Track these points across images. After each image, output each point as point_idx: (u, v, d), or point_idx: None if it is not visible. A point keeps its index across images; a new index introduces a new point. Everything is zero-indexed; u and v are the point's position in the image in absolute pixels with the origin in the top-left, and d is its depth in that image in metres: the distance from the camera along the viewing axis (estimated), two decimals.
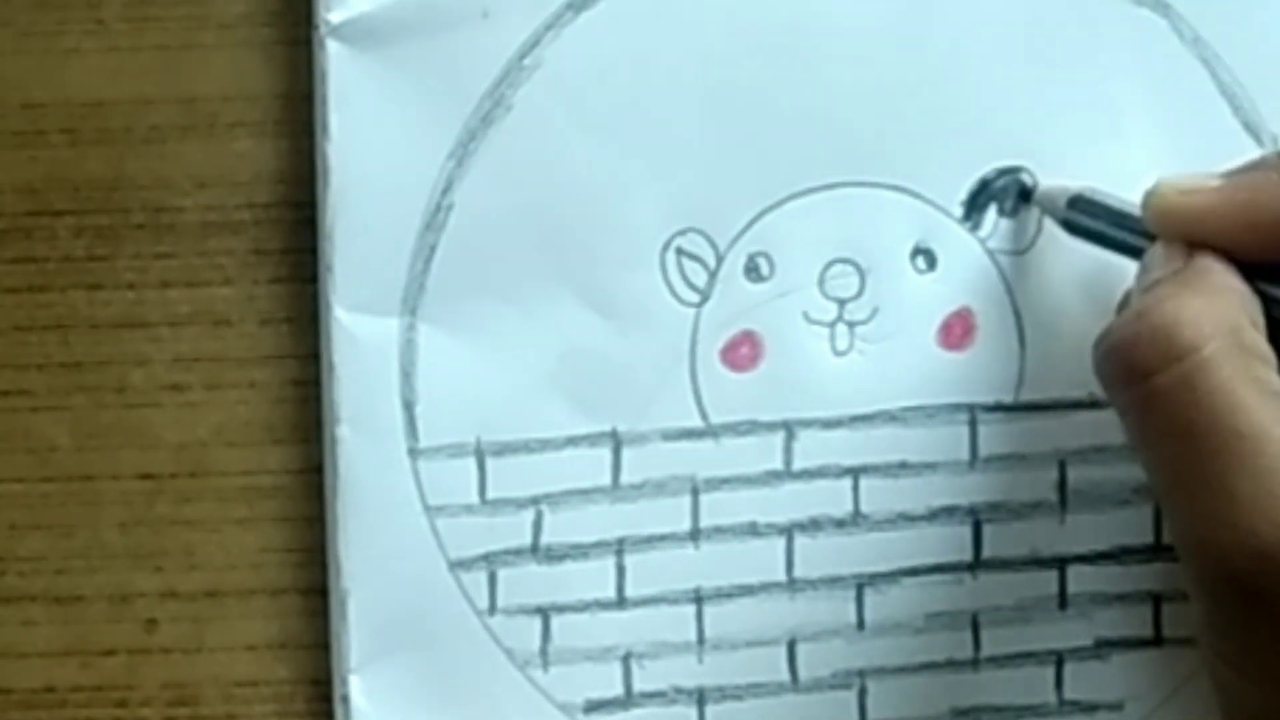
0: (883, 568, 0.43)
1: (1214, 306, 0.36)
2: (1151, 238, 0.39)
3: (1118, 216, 0.40)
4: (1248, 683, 0.36)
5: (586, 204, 0.42)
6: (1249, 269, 0.37)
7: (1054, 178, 0.42)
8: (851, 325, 0.43)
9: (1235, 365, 0.35)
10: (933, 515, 0.43)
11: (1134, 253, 0.39)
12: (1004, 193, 0.43)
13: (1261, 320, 0.37)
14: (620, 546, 0.42)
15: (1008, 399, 0.43)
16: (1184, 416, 0.35)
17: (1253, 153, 0.42)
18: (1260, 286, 0.37)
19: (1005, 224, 0.43)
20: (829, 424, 0.43)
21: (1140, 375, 0.36)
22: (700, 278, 0.43)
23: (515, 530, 0.42)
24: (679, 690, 0.42)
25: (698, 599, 0.42)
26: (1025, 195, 0.42)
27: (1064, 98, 0.43)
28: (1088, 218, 0.41)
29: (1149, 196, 0.39)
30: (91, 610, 0.43)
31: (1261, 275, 0.37)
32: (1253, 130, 0.43)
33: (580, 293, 0.42)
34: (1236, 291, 0.37)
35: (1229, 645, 0.36)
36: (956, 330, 0.43)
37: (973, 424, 0.43)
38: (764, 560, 0.42)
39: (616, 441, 0.42)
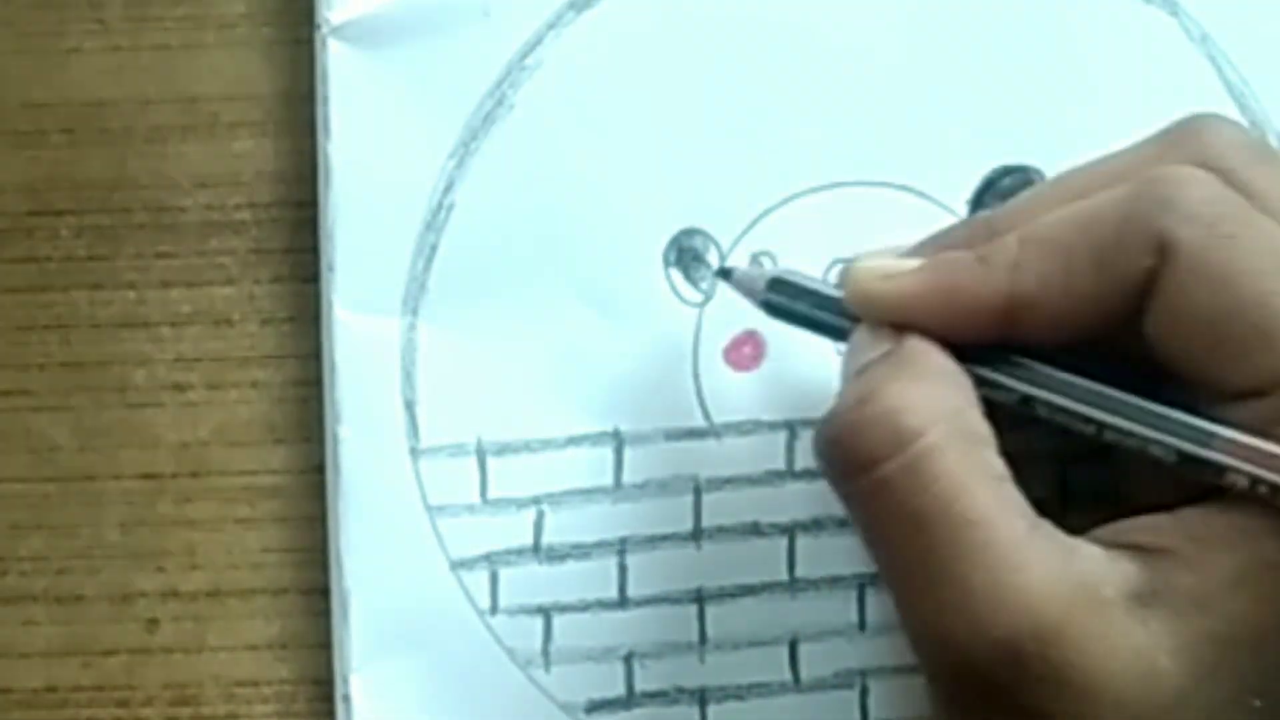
0: None
1: (934, 390, 0.35)
2: (854, 318, 0.38)
3: (818, 299, 0.39)
4: None
5: (588, 203, 0.42)
6: (957, 350, 0.36)
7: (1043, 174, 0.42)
8: None
9: (960, 450, 0.34)
10: None
11: (836, 333, 0.38)
12: (1010, 192, 0.42)
13: (977, 401, 0.36)
14: (622, 546, 0.42)
15: None
16: (912, 505, 0.34)
17: None
18: (970, 369, 0.36)
19: None
20: None
21: (867, 465, 0.34)
22: (703, 277, 0.42)
23: (517, 530, 0.42)
24: (681, 690, 0.42)
25: (700, 599, 0.42)
26: (725, 273, 0.41)
27: (1070, 95, 0.43)
28: (788, 300, 0.39)
29: (848, 283, 0.38)
30: (93, 610, 0.43)
31: (969, 357, 0.36)
32: (1259, 129, 0.43)
33: (582, 292, 0.42)
34: (951, 373, 0.36)
35: None
36: None
37: None
38: (766, 560, 0.42)
39: (618, 441, 0.42)
